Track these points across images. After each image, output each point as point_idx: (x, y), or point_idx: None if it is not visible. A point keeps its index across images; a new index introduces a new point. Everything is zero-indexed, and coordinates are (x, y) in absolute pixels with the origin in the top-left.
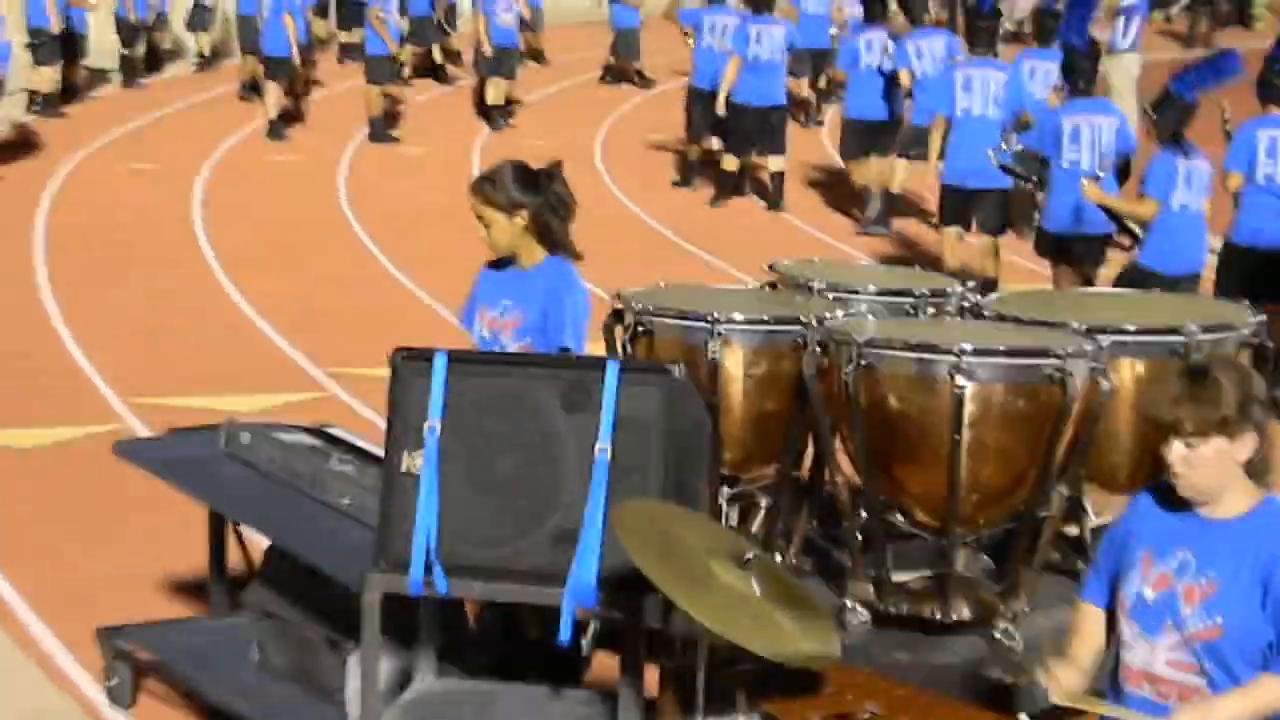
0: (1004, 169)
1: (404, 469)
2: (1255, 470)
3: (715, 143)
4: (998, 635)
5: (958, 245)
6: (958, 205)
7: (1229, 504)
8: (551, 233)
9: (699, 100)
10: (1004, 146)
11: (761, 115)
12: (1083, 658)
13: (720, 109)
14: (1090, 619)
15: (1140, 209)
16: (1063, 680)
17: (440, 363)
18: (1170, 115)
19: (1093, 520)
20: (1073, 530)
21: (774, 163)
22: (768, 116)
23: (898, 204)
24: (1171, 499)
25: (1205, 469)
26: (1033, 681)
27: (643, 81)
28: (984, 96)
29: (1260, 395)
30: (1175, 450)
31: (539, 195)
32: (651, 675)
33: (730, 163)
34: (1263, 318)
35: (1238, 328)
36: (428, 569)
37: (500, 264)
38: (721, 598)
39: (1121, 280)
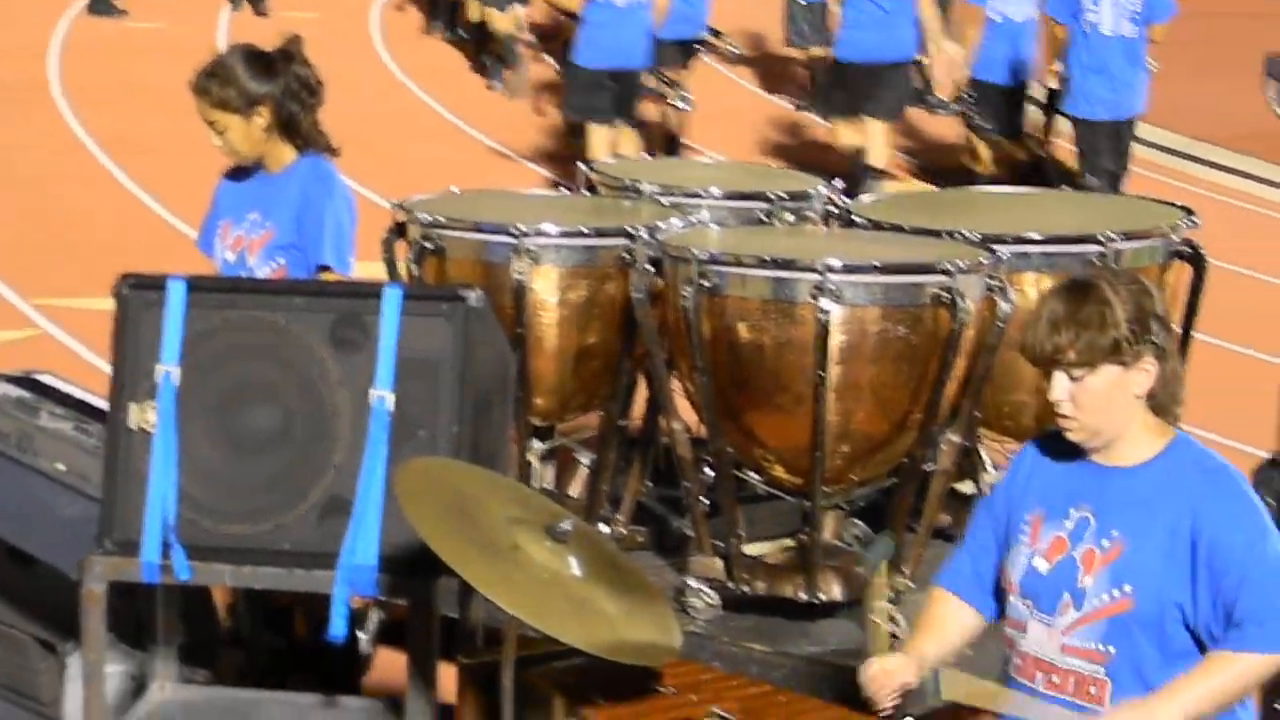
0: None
1: (133, 425)
2: (1160, 404)
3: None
4: (875, 618)
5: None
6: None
7: (1131, 447)
8: (297, 126)
9: None
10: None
11: None
12: (927, 651)
13: None
14: (944, 608)
15: None
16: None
17: (177, 292)
18: None
19: (991, 474)
20: (966, 487)
21: None
22: None
23: None
24: (1062, 449)
25: (1096, 405)
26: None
27: None
28: None
29: (1160, 311)
30: (1059, 385)
31: (277, 83)
32: (447, 676)
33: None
34: (1196, 218)
35: (1166, 233)
36: (165, 550)
37: (242, 171)
38: (532, 579)
39: None
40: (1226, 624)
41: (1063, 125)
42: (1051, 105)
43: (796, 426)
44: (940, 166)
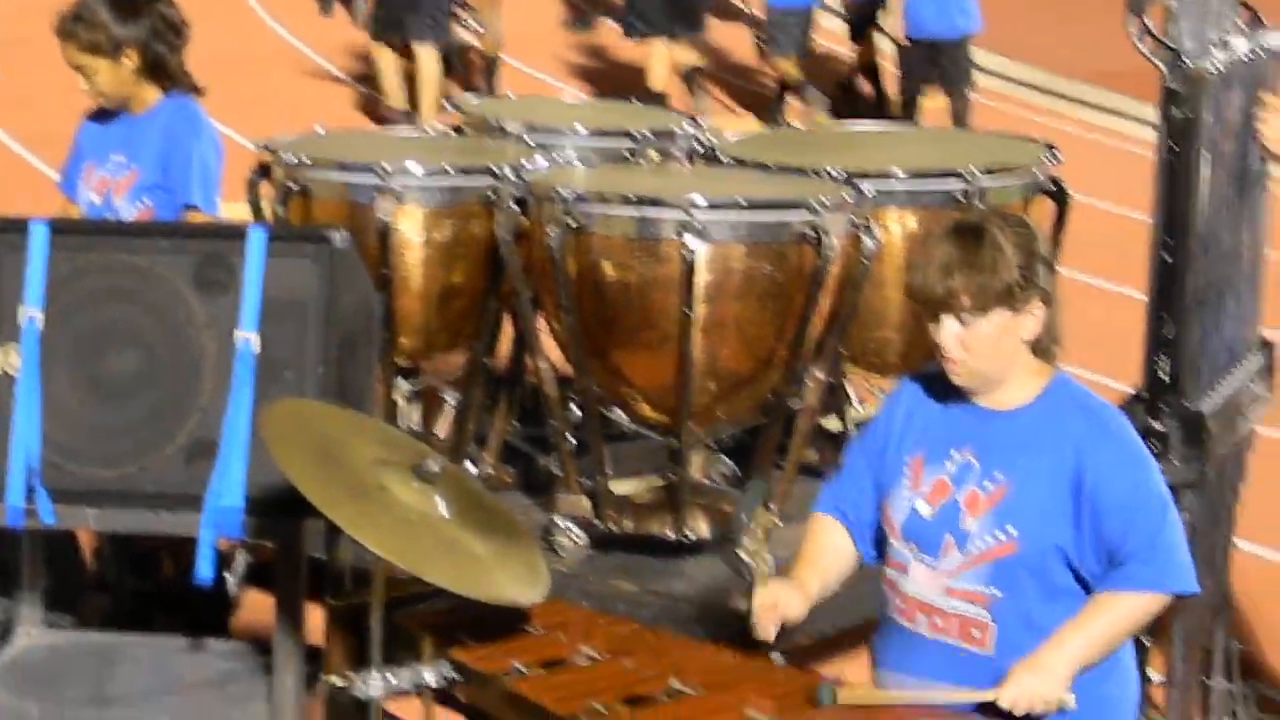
0: None
1: None
2: (1042, 345)
3: None
4: (744, 556)
5: None
6: None
7: (1015, 390)
8: (164, 67)
9: None
10: None
11: None
12: (809, 583)
13: None
14: (823, 538)
15: None
16: (790, 609)
17: (39, 235)
18: None
19: (857, 411)
20: (833, 424)
21: None
22: None
23: None
24: (941, 390)
25: (985, 350)
26: (825, 689)
27: None
28: None
29: (1045, 254)
30: (947, 330)
31: (143, 24)
32: (315, 618)
33: None
34: (1058, 153)
35: (1029, 168)
36: (29, 495)
37: (105, 113)
38: (399, 520)
39: None
40: (1110, 564)
41: (886, 45)
42: (874, 24)
43: (663, 364)
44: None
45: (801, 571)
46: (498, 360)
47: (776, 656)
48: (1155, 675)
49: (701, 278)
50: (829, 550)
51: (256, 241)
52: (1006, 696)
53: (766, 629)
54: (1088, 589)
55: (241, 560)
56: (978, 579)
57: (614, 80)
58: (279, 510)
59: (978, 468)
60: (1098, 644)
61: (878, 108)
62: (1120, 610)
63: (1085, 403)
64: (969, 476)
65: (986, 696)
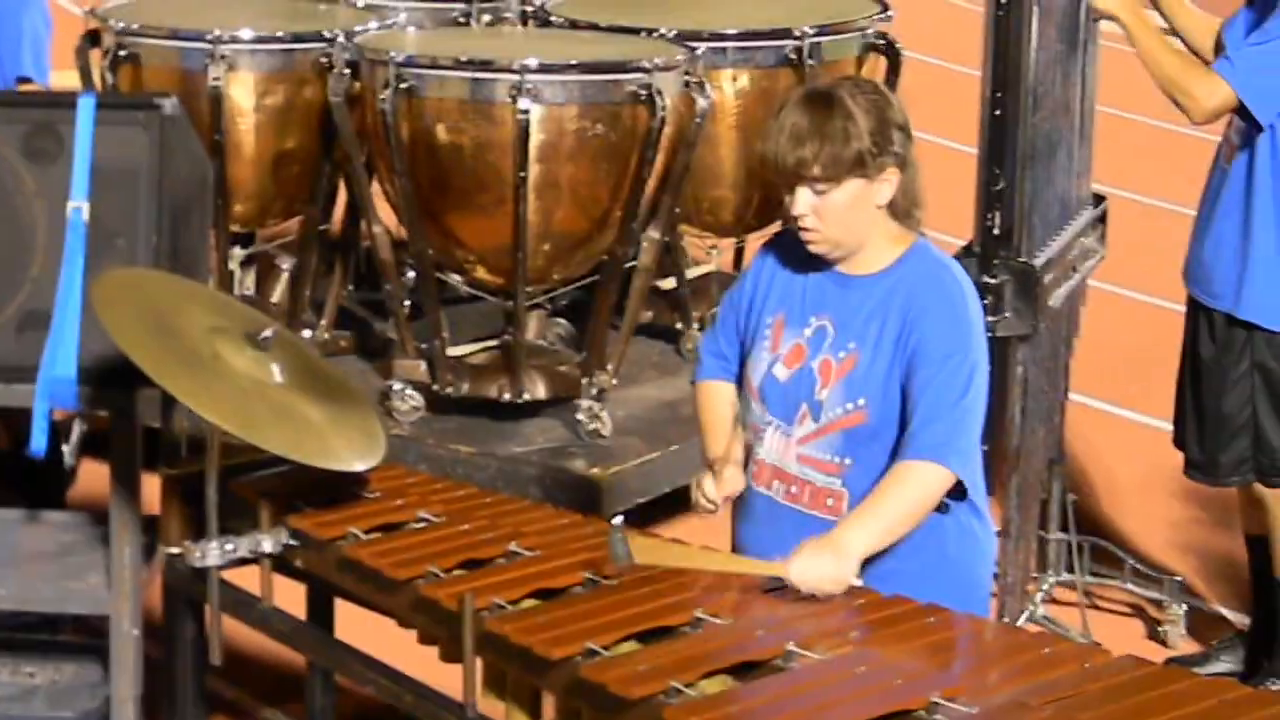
0: None
1: None
2: (899, 210)
3: None
4: (581, 416)
5: None
6: None
7: (872, 256)
8: None
9: None
10: None
11: None
12: (736, 450)
13: None
14: (715, 400)
15: None
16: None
17: None
18: None
19: (693, 270)
20: (668, 283)
21: None
22: None
23: None
24: (805, 252)
25: (840, 219)
26: (617, 536)
27: None
28: None
29: (900, 120)
30: (801, 200)
31: None
32: (152, 487)
33: None
34: (890, 10)
35: (861, 26)
36: None
37: None
38: (234, 387)
39: None
40: (909, 425)
41: None
42: None
43: (497, 227)
44: None
45: (715, 445)
46: (332, 226)
47: (616, 518)
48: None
49: (535, 140)
50: (722, 415)
51: (85, 110)
52: (795, 571)
53: (709, 509)
54: None
55: (77, 430)
56: (830, 448)
57: None
58: (113, 380)
59: (833, 335)
60: (893, 518)
61: None
62: (911, 482)
63: (936, 271)
64: (824, 344)
65: (776, 570)
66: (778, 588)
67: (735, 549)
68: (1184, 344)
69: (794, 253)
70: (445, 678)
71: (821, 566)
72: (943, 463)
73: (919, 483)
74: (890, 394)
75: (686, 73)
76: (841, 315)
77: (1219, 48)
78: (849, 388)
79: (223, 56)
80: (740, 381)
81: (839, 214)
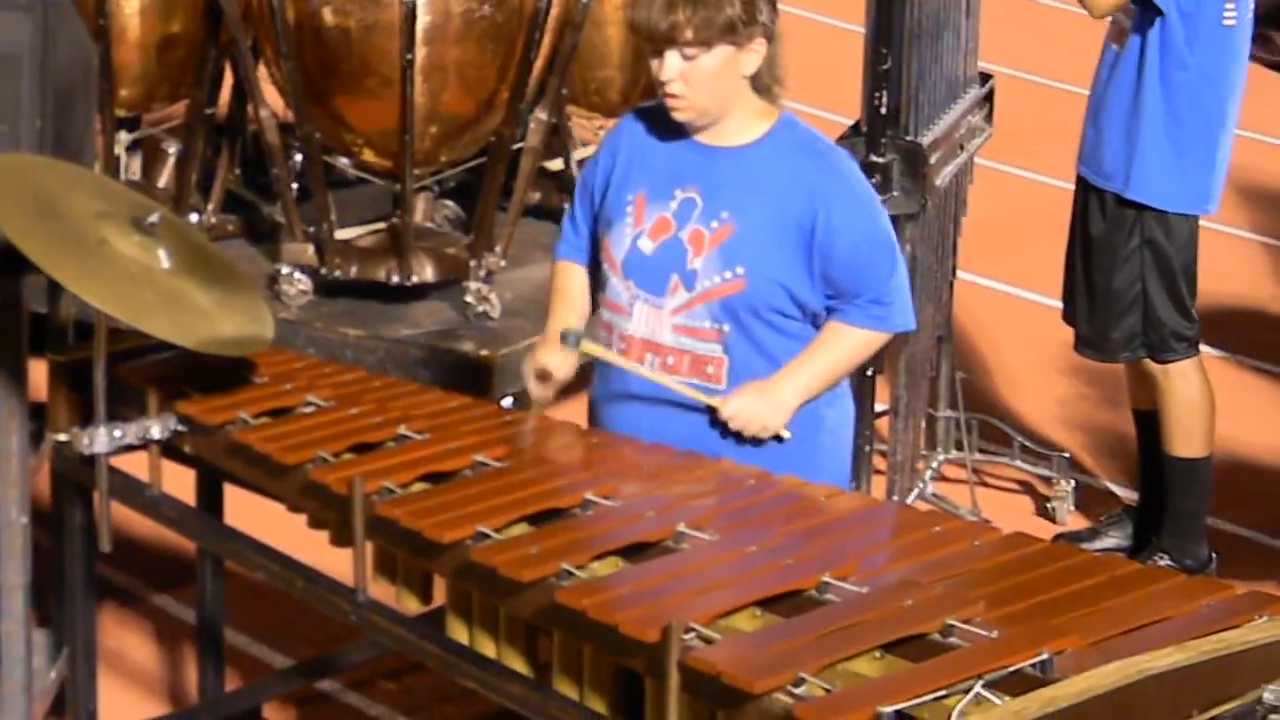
0: None
1: None
2: (763, 84)
3: None
4: (469, 299)
5: None
6: None
7: (736, 127)
8: None
9: None
10: None
11: None
12: (571, 325)
13: None
14: (569, 278)
15: None
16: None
17: None
18: None
19: (580, 150)
20: (556, 164)
21: None
22: None
23: None
24: (663, 127)
25: (707, 86)
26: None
27: None
28: None
29: None
30: (670, 65)
31: None
32: (39, 373)
33: None
34: None
35: None
36: None
37: None
38: (120, 272)
39: None
40: (840, 300)
41: None
42: None
43: (385, 109)
44: None
45: (559, 314)
46: (219, 110)
47: (506, 400)
48: (881, 406)
49: (422, 21)
50: (577, 294)
51: None
52: (729, 408)
53: (544, 393)
54: (815, 325)
55: None
56: (708, 315)
57: None
58: None
59: (702, 206)
60: (825, 373)
61: None
62: (848, 344)
63: (814, 145)
64: (692, 215)
65: (713, 401)
66: (667, 468)
67: (601, 426)
68: (1073, 222)
69: (652, 128)
70: (335, 562)
71: (757, 408)
72: (889, 329)
73: (857, 346)
74: (772, 264)
75: None
76: (710, 186)
77: None
78: (725, 256)
79: None
80: (599, 261)
81: (707, 80)
